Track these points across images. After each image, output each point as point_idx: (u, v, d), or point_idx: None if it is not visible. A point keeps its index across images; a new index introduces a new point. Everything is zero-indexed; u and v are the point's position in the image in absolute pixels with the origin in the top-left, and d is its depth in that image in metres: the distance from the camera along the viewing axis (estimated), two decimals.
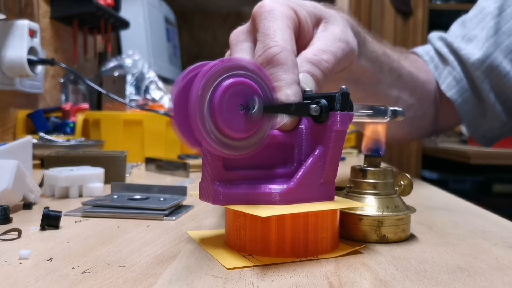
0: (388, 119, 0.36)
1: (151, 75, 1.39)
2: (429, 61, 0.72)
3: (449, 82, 0.70)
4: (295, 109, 0.31)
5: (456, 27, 0.74)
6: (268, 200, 0.30)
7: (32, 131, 1.01)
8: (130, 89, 1.33)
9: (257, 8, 0.40)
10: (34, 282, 0.25)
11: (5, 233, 0.34)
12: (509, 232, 0.39)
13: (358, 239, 0.34)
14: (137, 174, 0.77)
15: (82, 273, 0.27)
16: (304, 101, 0.32)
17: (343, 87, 0.31)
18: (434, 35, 0.75)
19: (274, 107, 0.30)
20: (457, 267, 0.29)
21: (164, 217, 0.41)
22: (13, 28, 0.93)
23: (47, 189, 0.52)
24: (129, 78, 1.34)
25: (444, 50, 0.71)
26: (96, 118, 0.99)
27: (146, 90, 1.36)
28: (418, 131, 0.74)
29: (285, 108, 0.31)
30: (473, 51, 0.68)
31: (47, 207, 0.37)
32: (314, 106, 0.30)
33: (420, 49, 0.75)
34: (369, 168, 0.36)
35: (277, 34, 0.37)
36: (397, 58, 0.62)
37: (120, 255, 0.30)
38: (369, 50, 0.53)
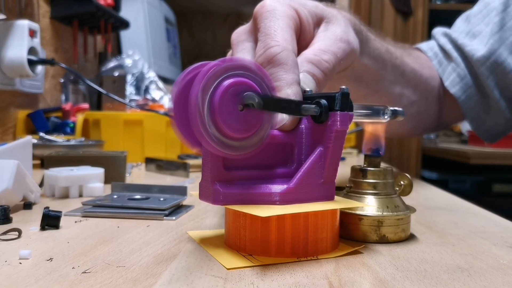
0: (388, 119, 0.36)
1: (151, 75, 1.39)
2: (433, 57, 0.72)
3: (453, 78, 0.69)
4: (295, 107, 0.31)
5: (460, 23, 0.74)
6: (268, 200, 0.30)
7: (32, 131, 1.01)
8: (130, 89, 1.33)
9: (258, 7, 0.40)
10: (34, 282, 0.25)
11: (5, 233, 0.34)
12: (509, 232, 0.39)
13: (358, 239, 0.34)
14: (137, 174, 0.77)
15: (82, 273, 0.27)
16: (305, 101, 0.32)
17: (343, 87, 0.31)
18: (438, 31, 0.74)
19: (275, 102, 0.30)
20: (457, 267, 0.29)
21: (164, 217, 0.41)
22: (13, 28, 0.93)
23: (47, 189, 0.52)
24: (129, 78, 1.34)
25: (449, 47, 0.71)
26: (96, 118, 0.99)
27: (146, 90, 1.37)
28: (421, 126, 0.74)
29: (286, 104, 0.31)
30: (478, 47, 0.68)
31: (47, 207, 0.37)
32: (313, 106, 0.30)
33: (424, 45, 0.75)
34: (369, 168, 0.36)
35: (278, 34, 0.37)
36: (400, 54, 0.62)
37: (120, 255, 0.30)
38: (372, 48, 0.53)
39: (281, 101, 0.31)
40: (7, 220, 0.38)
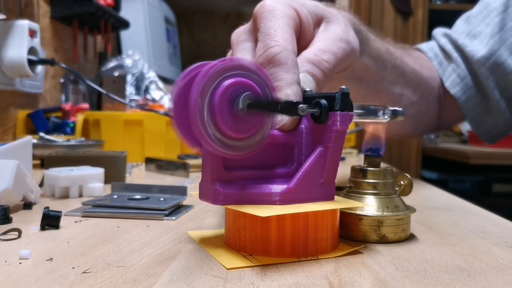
0: (388, 119, 0.36)
1: (151, 75, 1.39)
2: (433, 57, 0.72)
3: (453, 79, 0.69)
4: (281, 108, 0.29)
5: (460, 23, 0.74)
6: (268, 200, 0.30)
7: (32, 131, 1.01)
8: (130, 89, 1.33)
9: (258, 7, 0.40)
10: (34, 282, 0.25)
11: (5, 233, 0.34)
12: (509, 232, 0.39)
13: (358, 239, 0.34)
14: (137, 174, 0.77)
15: (82, 273, 0.27)
16: (304, 101, 0.32)
17: (343, 87, 0.31)
18: (439, 31, 0.74)
19: (259, 104, 0.30)
20: (457, 267, 0.29)
21: (164, 217, 0.41)
22: (13, 28, 0.93)
23: (47, 189, 0.52)
24: (129, 78, 1.34)
25: (449, 47, 0.71)
26: (96, 118, 0.99)
27: (146, 90, 1.37)
28: (422, 127, 0.74)
29: (271, 105, 0.30)
30: (478, 48, 0.68)
31: (47, 207, 0.37)
32: (301, 105, 0.29)
33: (424, 46, 0.75)
34: (369, 168, 0.36)
35: (278, 34, 0.37)
36: (400, 55, 0.62)
37: (120, 255, 0.30)
38: (372, 48, 0.53)
39: (267, 103, 0.30)
40: (7, 220, 0.38)
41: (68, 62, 1.27)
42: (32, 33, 0.95)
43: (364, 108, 0.35)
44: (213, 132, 0.28)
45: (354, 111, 0.34)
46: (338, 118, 0.30)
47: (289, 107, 0.29)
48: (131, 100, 1.26)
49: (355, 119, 0.34)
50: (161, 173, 0.77)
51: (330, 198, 0.32)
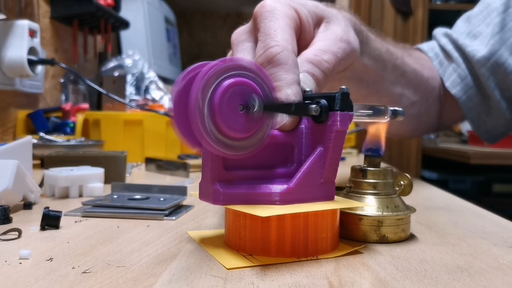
0: (388, 119, 0.36)
1: (151, 75, 1.39)
2: (433, 57, 0.72)
3: (453, 79, 0.69)
4: (295, 109, 0.31)
5: (461, 23, 0.74)
6: (268, 200, 0.30)
7: (32, 131, 1.01)
8: (130, 89, 1.33)
9: (258, 7, 0.40)
10: (34, 282, 0.25)
11: (5, 233, 0.34)
12: (509, 232, 0.39)
13: (358, 239, 0.34)
14: (137, 174, 0.77)
15: (82, 273, 0.27)
16: (304, 101, 0.32)
17: (343, 87, 0.31)
18: (439, 31, 0.74)
19: (274, 106, 0.30)
20: (457, 267, 0.29)
21: (164, 217, 0.41)
22: (13, 28, 0.93)
23: (47, 189, 0.52)
24: (129, 78, 1.34)
25: (449, 47, 0.71)
26: (96, 118, 0.99)
27: (146, 90, 1.37)
28: (422, 127, 0.74)
29: (286, 107, 0.31)
30: (479, 48, 0.68)
31: (47, 207, 0.37)
32: (314, 106, 0.30)
33: (424, 45, 0.75)
34: (369, 168, 0.36)
35: (278, 34, 0.37)
36: (400, 55, 0.62)
37: (120, 255, 0.30)
38: (372, 48, 0.53)
39: (282, 105, 0.31)
40: (7, 220, 0.38)
41: (68, 62, 1.27)
42: (32, 33, 0.95)
43: (368, 108, 0.35)
44: (213, 132, 0.28)
45: (357, 111, 0.34)
46: (338, 118, 0.30)
47: (302, 108, 0.30)
48: (131, 100, 1.26)
49: (356, 119, 0.34)
50: (161, 173, 0.77)
51: (330, 198, 0.32)
